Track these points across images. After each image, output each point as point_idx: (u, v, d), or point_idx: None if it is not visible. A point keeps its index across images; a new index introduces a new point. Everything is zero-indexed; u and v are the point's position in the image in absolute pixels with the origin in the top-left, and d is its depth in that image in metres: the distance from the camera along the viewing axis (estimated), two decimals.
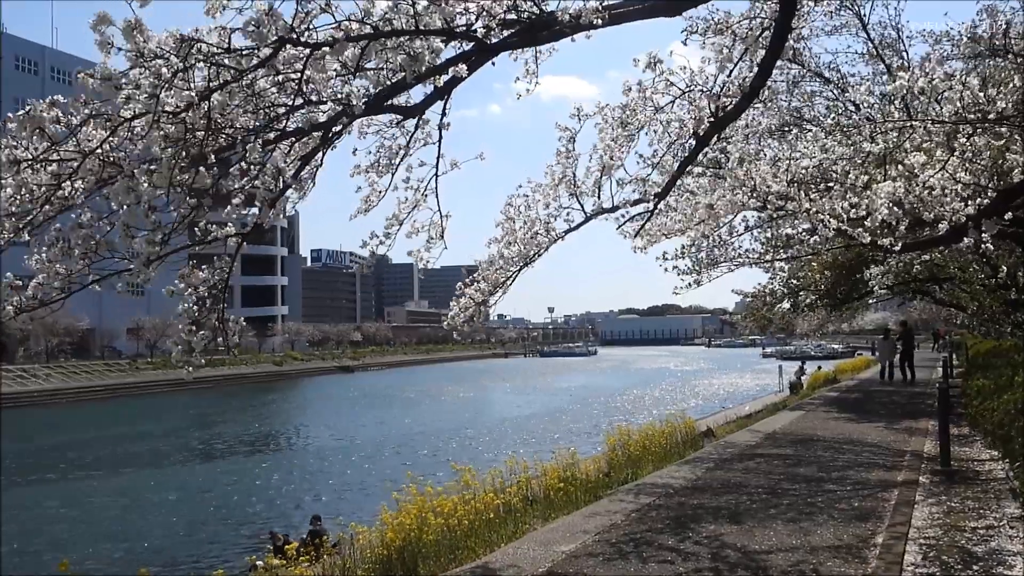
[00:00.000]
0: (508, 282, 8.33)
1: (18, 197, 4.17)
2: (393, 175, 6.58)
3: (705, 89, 7.22)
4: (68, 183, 4.22)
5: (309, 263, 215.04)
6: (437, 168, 6.65)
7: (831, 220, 8.72)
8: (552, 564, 6.76)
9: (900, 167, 8.27)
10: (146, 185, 4.01)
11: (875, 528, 7.54)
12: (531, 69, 6.17)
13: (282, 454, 33.34)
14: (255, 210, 4.90)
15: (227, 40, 3.98)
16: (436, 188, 6.86)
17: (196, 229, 4.84)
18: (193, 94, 3.94)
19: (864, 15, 15.00)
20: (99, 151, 4.14)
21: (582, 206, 8.01)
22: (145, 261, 4.34)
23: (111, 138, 4.10)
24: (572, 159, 7.84)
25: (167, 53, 3.86)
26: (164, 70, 3.83)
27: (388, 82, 4.98)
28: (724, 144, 9.99)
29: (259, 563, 10.40)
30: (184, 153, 4.07)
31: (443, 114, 5.99)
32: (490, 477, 9.73)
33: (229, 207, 4.79)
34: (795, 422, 17.00)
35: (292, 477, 26.88)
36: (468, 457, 25.29)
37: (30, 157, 4.08)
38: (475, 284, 8.29)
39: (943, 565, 6.34)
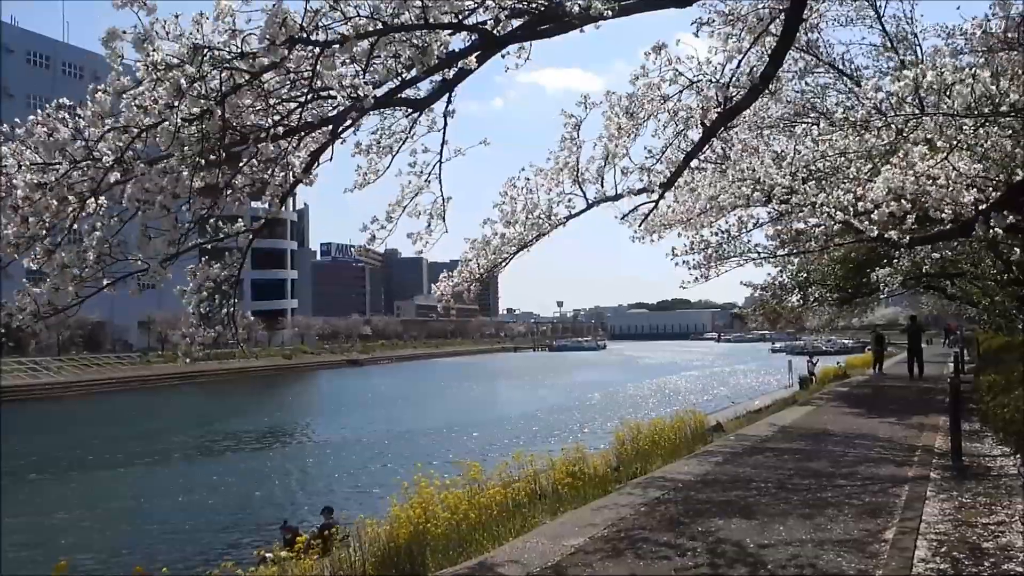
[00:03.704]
0: (504, 262, 8.32)
1: (41, 220, 4.18)
2: (393, 158, 6.58)
3: (713, 79, 7.18)
4: (92, 201, 4.23)
5: (319, 257, 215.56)
6: (441, 154, 6.67)
7: (837, 213, 8.67)
8: (560, 558, 6.75)
9: (903, 158, 8.20)
10: (161, 190, 4.02)
11: (885, 523, 7.51)
12: (523, 46, 6.06)
13: (293, 447, 33.45)
14: (263, 204, 4.90)
15: (239, 44, 3.97)
16: (440, 174, 6.88)
17: (207, 226, 4.85)
18: (212, 102, 3.93)
19: (880, 6, 14.83)
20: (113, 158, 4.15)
21: (584, 193, 7.99)
22: (162, 260, 4.35)
23: (128, 147, 4.11)
24: (576, 146, 7.81)
25: (181, 62, 3.84)
26: (183, 81, 3.83)
27: (397, 74, 4.96)
28: (729, 136, 9.92)
29: (267, 555, 10.43)
30: (199, 156, 4.07)
31: (448, 102, 5.98)
32: (498, 471, 9.73)
33: (230, 197, 4.79)
34: (805, 417, 16.95)
35: (303, 470, 26.98)
36: (477, 453, 25.34)
37: (52, 179, 4.08)
38: (471, 261, 8.29)
39: (953, 561, 6.31)
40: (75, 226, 4.36)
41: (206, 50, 3.89)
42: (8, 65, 76.19)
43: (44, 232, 4.24)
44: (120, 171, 4.10)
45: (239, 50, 3.97)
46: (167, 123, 3.87)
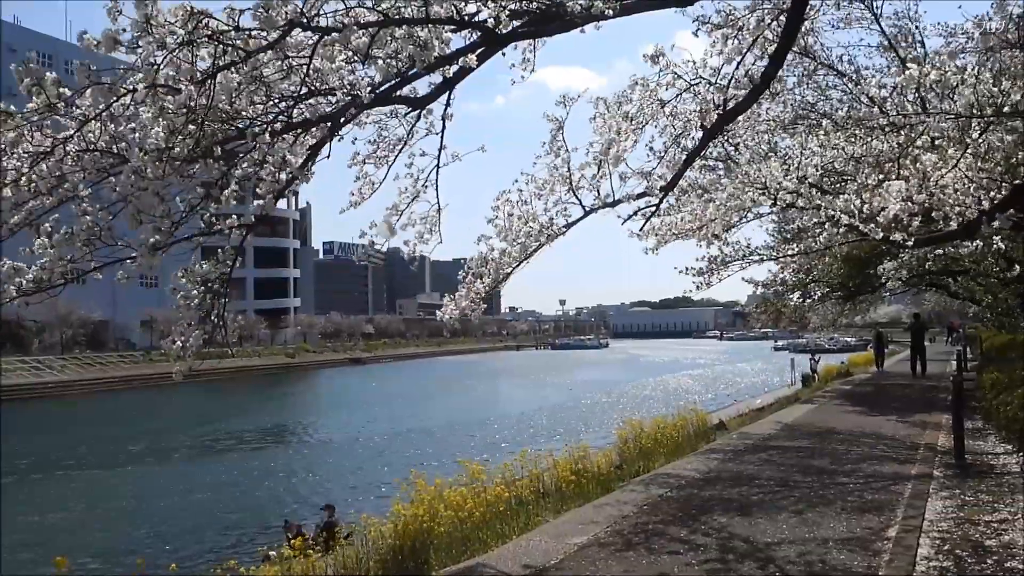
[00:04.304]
0: (503, 279, 8.23)
1: (21, 178, 4.16)
2: (390, 166, 6.51)
3: (712, 81, 7.14)
4: (68, 159, 4.20)
5: (321, 255, 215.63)
6: (439, 159, 6.57)
7: (843, 217, 8.65)
8: (564, 556, 6.76)
9: (914, 165, 8.18)
10: (150, 173, 3.98)
11: (888, 521, 7.51)
12: (527, 57, 6.06)
13: (294, 446, 33.40)
14: (260, 201, 4.88)
15: (236, 19, 3.93)
16: (436, 180, 6.78)
17: (203, 221, 4.83)
18: (196, 70, 3.88)
19: (877, 7, 14.78)
20: (99, 133, 4.12)
21: (579, 200, 7.87)
22: (151, 249, 4.32)
23: (112, 116, 4.07)
24: (563, 150, 7.68)
25: (174, 25, 3.80)
26: (169, 39, 3.78)
27: (397, 72, 4.94)
28: (733, 138, 9.88)
29: (272, 554, 10.44)
30: (191, 141, 4.05)
31: (447, 104, 5.93)
32: (501, 470, 9.74)
33: (225, 195, 4.74)
34: (807, 415, 16.95)
35: (305, 469, 26.93)
36: (479, 451, 25.34)
37: (31, 119, 4.07)
38: (471, 280, 8.20)
39: (956, 559, 6.30)
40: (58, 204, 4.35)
41: (202, 17, 3.84)
42: (10, 64, 76.17)
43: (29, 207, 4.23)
44: (103, 150, 4.09)
45: (236, 24, 3.93)
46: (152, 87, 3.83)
